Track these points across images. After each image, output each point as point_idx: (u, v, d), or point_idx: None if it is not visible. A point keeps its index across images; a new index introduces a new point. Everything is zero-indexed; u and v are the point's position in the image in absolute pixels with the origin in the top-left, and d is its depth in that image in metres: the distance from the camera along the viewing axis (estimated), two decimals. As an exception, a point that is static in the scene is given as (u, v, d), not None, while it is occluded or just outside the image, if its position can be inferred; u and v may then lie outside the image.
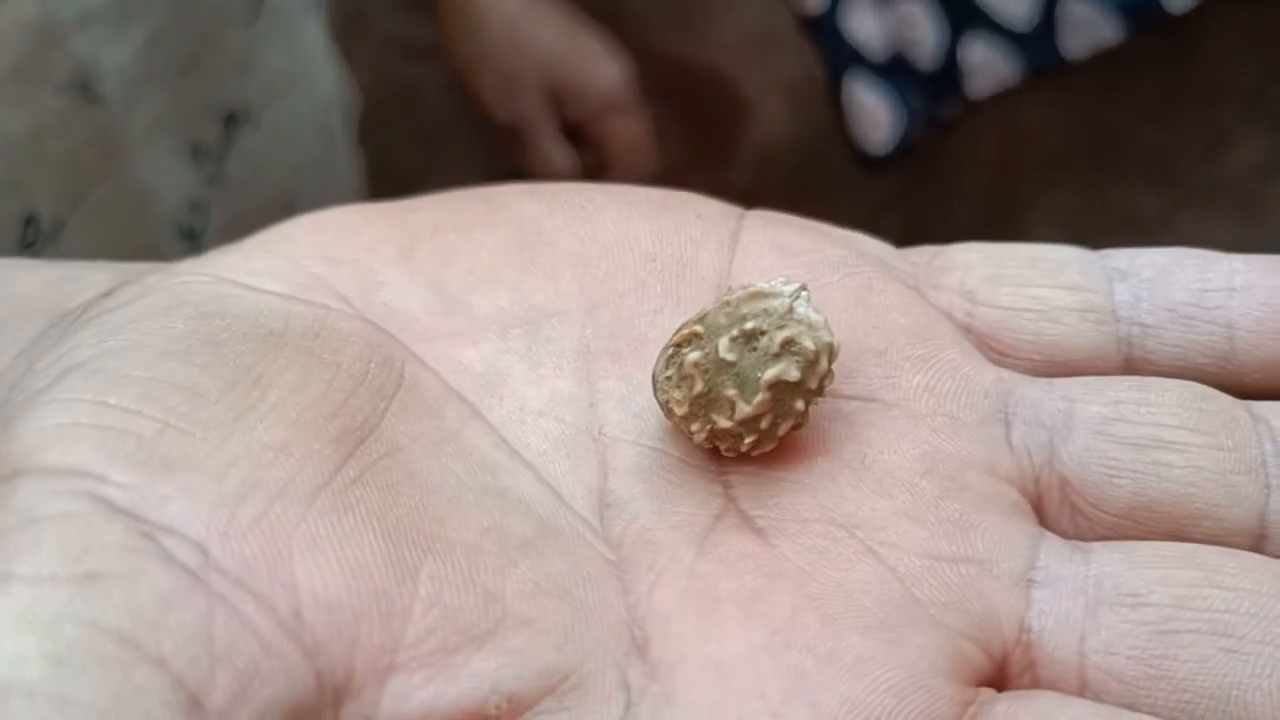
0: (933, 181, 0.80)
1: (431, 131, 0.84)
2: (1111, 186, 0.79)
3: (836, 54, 0.73)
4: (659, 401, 0.19)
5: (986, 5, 0.71)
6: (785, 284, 0.19)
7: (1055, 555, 0.18)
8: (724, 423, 0.18)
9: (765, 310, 0.19)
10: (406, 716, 0.16)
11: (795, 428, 0.19)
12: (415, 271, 0.20)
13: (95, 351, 0.17)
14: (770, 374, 0.18)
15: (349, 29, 0.53)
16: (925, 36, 0.72)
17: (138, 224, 0.40)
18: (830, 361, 0.19)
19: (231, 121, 0.43)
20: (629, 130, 0.72)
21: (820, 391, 0.19)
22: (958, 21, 0.71)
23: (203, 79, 0.41)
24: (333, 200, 0.52)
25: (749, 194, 0.87)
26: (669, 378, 0.19)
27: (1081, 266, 0.21)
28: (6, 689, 0.14)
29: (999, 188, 0.81)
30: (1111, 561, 0.18)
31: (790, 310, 0.19)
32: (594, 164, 0.73)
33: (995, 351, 0.20)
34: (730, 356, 0.18)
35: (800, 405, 0.19)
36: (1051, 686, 0.17)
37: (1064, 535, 0.19)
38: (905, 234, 0.85)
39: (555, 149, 0.71)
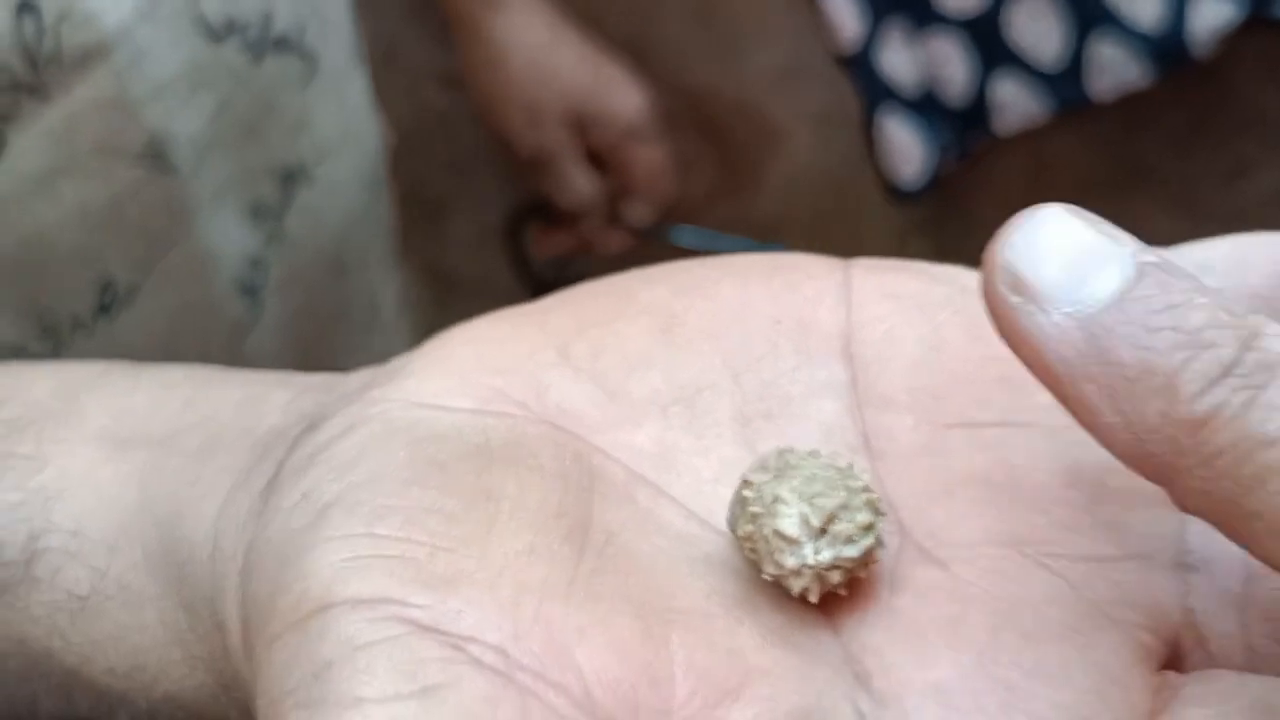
0: (958, 209, 0.81)
1: (461, 159, 0.86)
2: (1133, 214, 0.80)
3: (870, 89, 0.75)
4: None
5: (1016, 44, 0.72)
6: (808, 514, 0.19)
7: (1201, 537, 0.19)
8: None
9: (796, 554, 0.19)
10: None
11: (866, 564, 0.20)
12: (575, 370, 0.22)
13: (342, 487, 0.19)
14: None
15: (380, 59, 0.55)
16: (956, 74, 0.73)
17: (203, 284, 0.42)
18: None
19: (289, 180, 0.44)
20: (651, 157, 0.73)
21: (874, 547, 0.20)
22: (988, 59, 0.72)
23: (264, 142, 0.42)
24: (377, 248, 0.53)
25: (777, 220, 0.88)
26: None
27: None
28: None
29: (1023, 216, 0.82)
30: None
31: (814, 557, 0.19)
32: (616, 189, 0.74)
33: None
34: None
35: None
36: (1222, 658, 0.19)
37: None
38: (931, 259, 0.85)
39: (580, 176, 0.72)
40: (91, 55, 0.35)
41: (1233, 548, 0.18)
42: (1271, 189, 0.77)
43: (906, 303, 0.23)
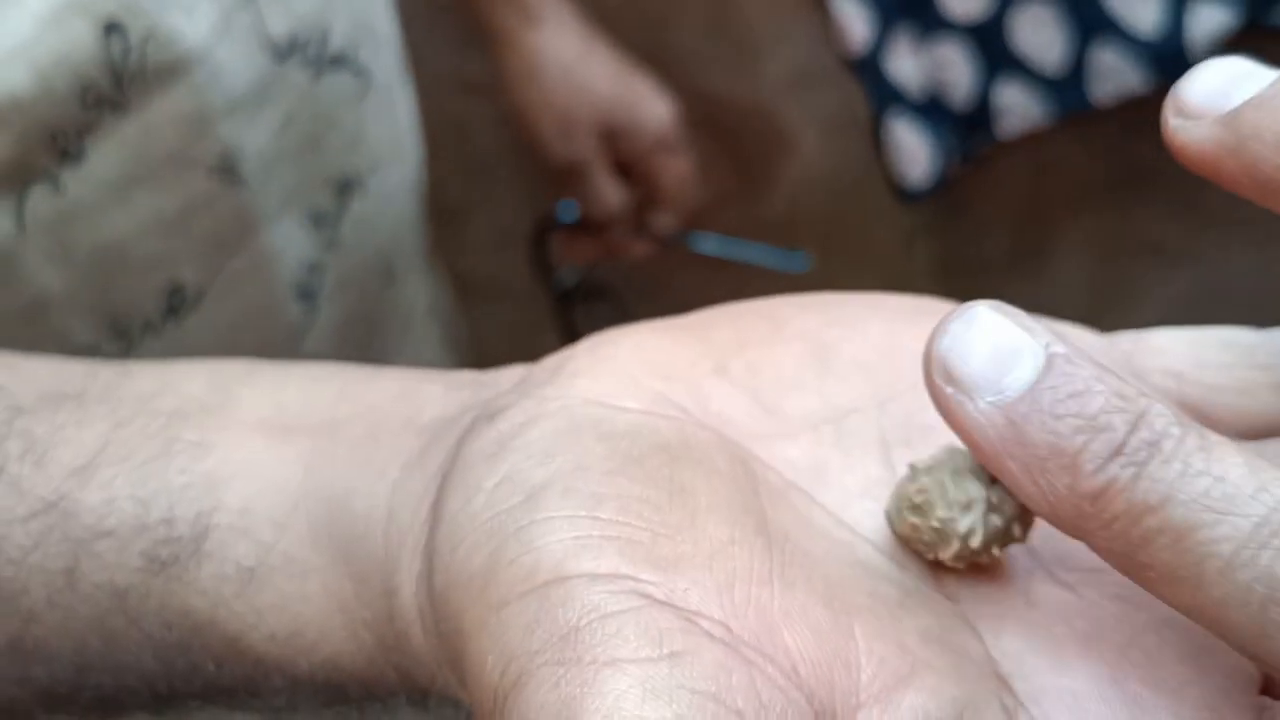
0: (963, 211, 0.83)
1: (483, 163, 0.88)
2: (1136, 215, 0.82)
3: (878, 93, 0.77)
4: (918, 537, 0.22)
5: (1019, 51, 0.74)
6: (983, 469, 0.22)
7: None
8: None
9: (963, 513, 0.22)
10: None
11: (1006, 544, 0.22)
12: (734, 384, 0.24)
13: (549, 473, 0.21)
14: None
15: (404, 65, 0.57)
16: (961, 79, 0.75)
17: (265, 289, 0.44)
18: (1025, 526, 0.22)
19: (345, 190, 0.46)
20: (677, 167, 0.76)
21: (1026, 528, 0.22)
22: (992, 65, 0.75)
23: (323, 154, 0.45)
24: (421, 255, 0.55)
25: (789, 221, 0.89)
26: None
27: (1267, 348, 0.25)
28: None
29: (1028, 218, 0.84)
30: None
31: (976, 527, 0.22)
32: (642, 199, 0.77)
33: (1204, 422, 0.24)
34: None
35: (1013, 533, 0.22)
36: None
37: None
38: (937, 260, 0.88)
39: (608, 186, 0.75)
40: (173, 72, 0.37)
41: None
42: (1267, 189, 0.79)
43: None
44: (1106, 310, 0.86)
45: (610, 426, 0.22)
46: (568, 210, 0.77)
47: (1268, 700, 0.21)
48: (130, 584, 0.26)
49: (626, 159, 0.74)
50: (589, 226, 0.77)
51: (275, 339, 0.45)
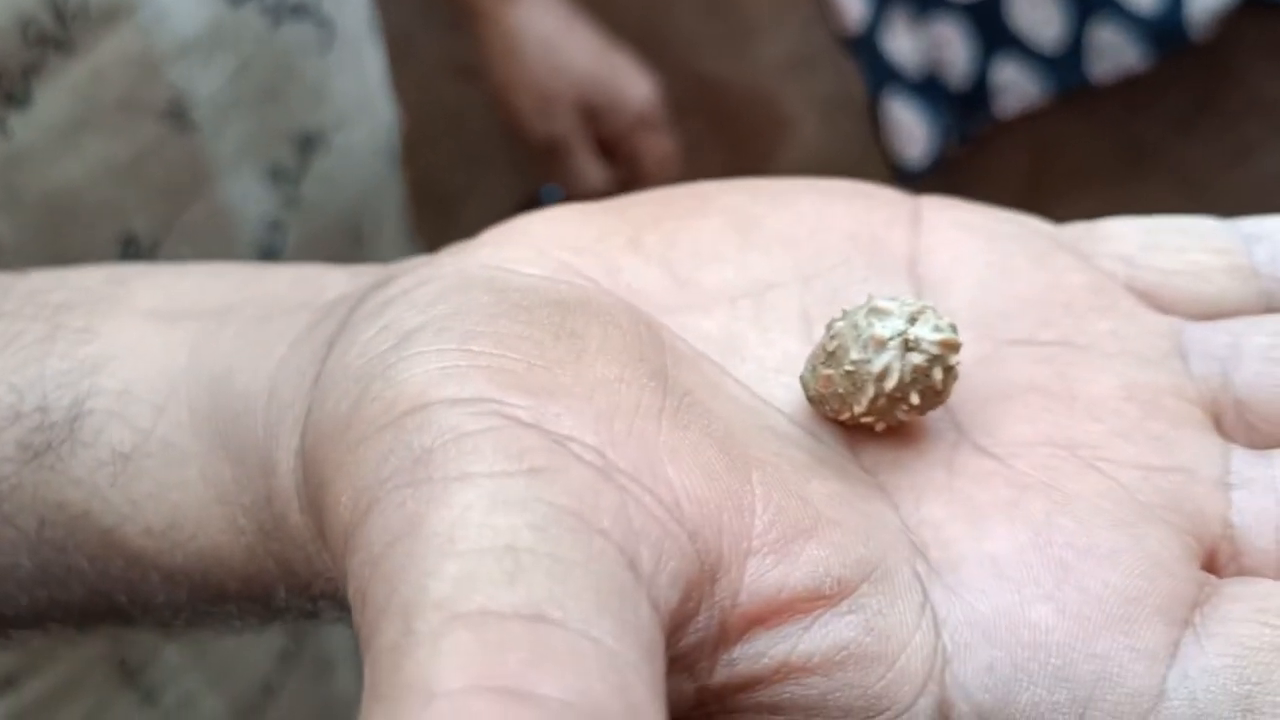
0: (963, 191, 0.82)
1: (474, 150, 0.87)
2: (1138, 195, 0.81)
3: (875, 71, 0.76)
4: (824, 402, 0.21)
5: (1017, 28, 0.73)
6: (902, 306, 0.21)
7: (1244, 462, 0.21)
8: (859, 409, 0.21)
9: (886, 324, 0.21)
10: (763, 591, 0.18)
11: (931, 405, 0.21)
12: (647, 256, 0.23)
13: (426, 317, 0.20)
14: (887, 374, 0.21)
15: (397, 50, 0.56)
16: (957, 57, 0.74)
17: (224, 243, 0.43)
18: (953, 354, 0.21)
19: (307, 146, 0.45)
20: (659, 145, 0.75)
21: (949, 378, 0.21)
22: (989, 43, 0.74)
23: (282, 106, 0.44)
24: (392, 217, 0.54)
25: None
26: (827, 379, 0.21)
27: (1224, 232, 0.24)
28: (512, 549, 0.16)
29: (1030, 198, 0.83)
30: None
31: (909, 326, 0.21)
32: (625, 178, 0.76)
33: (1156, 307, 0.23)
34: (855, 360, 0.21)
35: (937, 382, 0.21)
36: (1254, 571, 0.20)
37: (1240, 445, 0.22)
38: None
39: (590, 164, 0.74)
40: (117, 11, 0.37)
41: (1273, 473, 0.20)
42: (1273, 172, 0.78)
43: (975, 232, 0.24)
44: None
45: (503, 283, 0.21)
46: (551, 194, 0.76)
47: (1211, 577, 0.20)
48: (2, 475, 0.24)
49: (608, 137, 0.73)
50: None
51: (235, 297, 0.44)
